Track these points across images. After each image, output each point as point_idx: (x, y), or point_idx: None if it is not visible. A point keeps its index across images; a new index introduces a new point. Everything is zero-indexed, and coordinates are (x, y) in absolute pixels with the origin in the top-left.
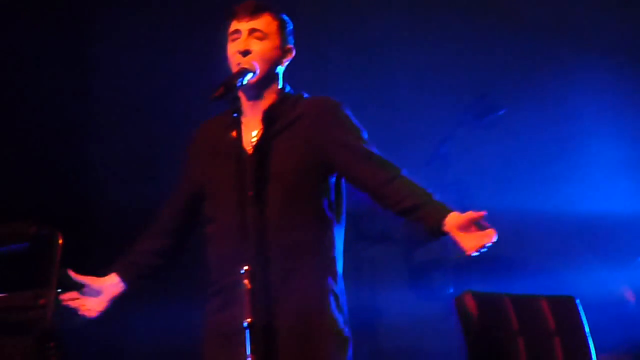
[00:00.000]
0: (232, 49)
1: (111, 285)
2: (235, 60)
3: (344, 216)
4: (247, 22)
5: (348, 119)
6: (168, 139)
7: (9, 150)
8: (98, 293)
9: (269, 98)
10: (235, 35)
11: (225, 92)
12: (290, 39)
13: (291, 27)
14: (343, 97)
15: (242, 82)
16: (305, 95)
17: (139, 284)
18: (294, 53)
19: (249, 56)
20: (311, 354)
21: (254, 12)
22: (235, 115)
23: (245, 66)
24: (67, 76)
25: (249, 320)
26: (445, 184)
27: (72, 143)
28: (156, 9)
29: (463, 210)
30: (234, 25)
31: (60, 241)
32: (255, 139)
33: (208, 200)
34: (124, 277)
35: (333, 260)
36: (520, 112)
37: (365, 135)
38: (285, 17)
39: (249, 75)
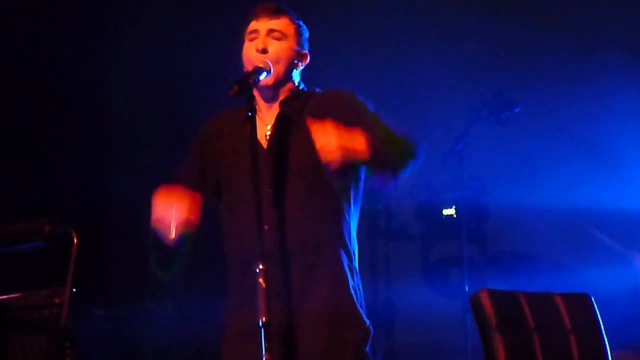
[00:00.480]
0: (250, 47)
1: None
2: (252, 58)
3: (359, 210)
4: (266, 22)
5: (361, 105)
6: (184, 139)
7: (25, 150)
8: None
9: (283, 98)
10: (254, 35)
11: (239, 91)
12: (306, 45)
13: (307, 35)
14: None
15: (256, 81)
16: (318, 90)
17: None
18: (308, 59)
19: (266, 55)
20: (337, 345)
21: (274, 14)
22: (250, 114)
23: (260, 65)
24: (85, 76)
25: (264, 319)
26: (461, 181)
27: (88, 142)
28: (173, 7)
29: (479, 207)
30: (253, 25)
31: (75, 240)
32: (269, 133)
33: (224, 197)
34: None
35: (352, 254)
36: (535, 110)
37: (381, 113)
38: (302, 24)
39: (263, 75)
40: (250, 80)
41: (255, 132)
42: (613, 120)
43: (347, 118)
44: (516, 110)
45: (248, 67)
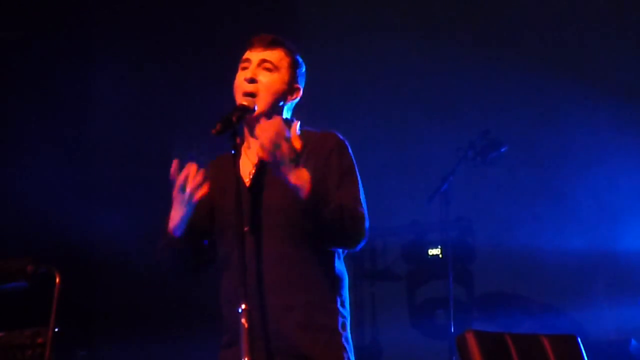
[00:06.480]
0: (240, 76)
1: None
2: (240, 88)
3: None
4: (260, 52)
5: (346, 161)
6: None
7: (8, 190)
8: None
9: None
10: (246, 64)
11: (222, 129)
12: (300, 79)
13: (303, 70)
14: (346, 135)
15: (240, 119)
16: (310, 128)
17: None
18: (300, 94)
19: (254, 85)
20: None
21: (269, 45)
22: (233, 151)
23: (244, 103)
24: (68, 110)
25: (246, 359)
26: (447, 221)
27: (73, 182)
28: (158, 41)
29: (465, 247)
30: (247, 54)
31: (58, 279)
32: (253, 171)
33: (216, 236)
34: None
35: (334, 296)
36: (522, 149)
37: (360, 186)
38: (299, 58)
39: (248, 112)
40: (234, 119)
41: (239, 170)
42: (605, 161)
43: (324, 166)
44: (503, 150)
45: (237, 95)
